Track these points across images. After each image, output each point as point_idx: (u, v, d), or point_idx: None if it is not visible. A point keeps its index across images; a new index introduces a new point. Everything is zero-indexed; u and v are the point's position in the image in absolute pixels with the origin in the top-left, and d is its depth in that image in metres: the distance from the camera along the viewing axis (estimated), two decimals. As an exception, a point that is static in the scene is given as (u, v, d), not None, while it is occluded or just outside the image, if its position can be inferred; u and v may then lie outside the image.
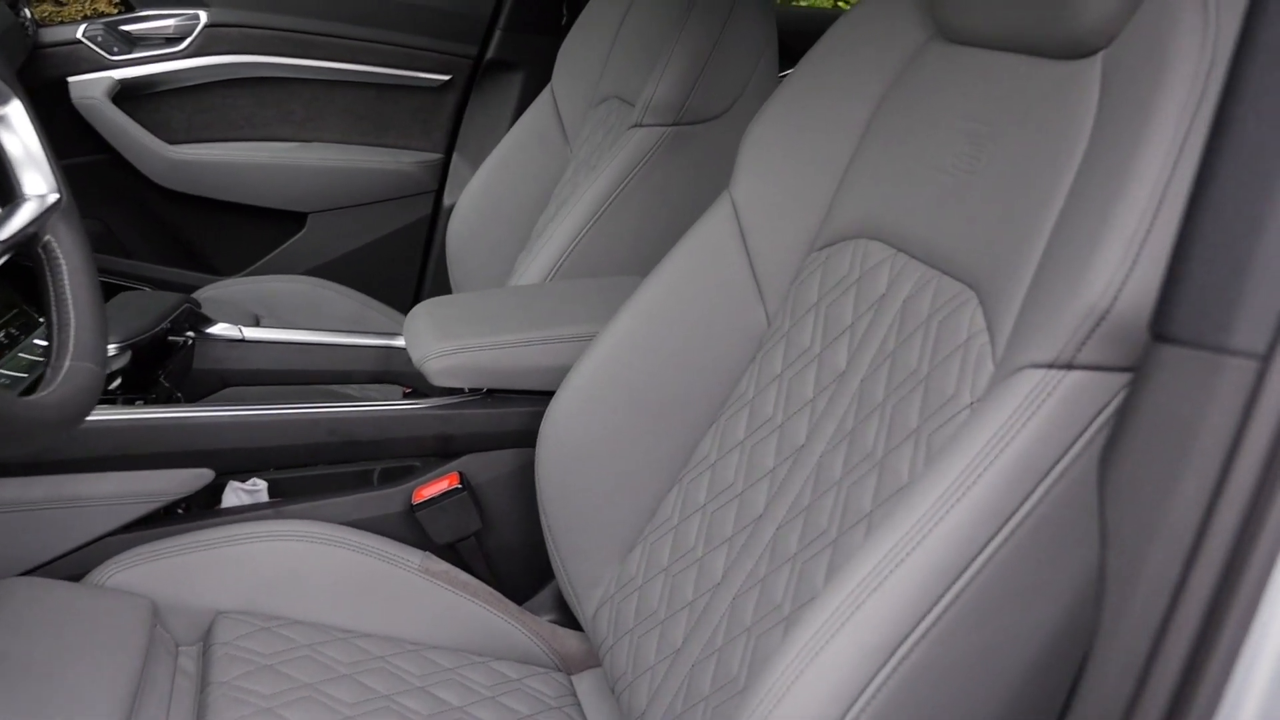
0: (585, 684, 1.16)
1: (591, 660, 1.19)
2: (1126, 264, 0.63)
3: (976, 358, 0.79)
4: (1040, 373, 0.66)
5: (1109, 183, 0.67)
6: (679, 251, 1.12)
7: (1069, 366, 0.65)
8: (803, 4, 4.95)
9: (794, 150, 1.07)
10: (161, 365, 1.29)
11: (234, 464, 1.18)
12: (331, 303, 1.85)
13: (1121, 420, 0.47)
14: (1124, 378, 0.64)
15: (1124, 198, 0.64)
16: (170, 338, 1.31)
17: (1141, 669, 0.44)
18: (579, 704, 1.12)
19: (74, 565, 1.09)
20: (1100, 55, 0.77)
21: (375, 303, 1.92)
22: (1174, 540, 0.44)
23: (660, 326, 1.11)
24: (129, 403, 1.18)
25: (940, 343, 0.84)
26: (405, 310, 2.14)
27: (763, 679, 0.67)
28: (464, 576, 1.17)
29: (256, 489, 1.19)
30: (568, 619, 1.24)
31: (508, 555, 1.26)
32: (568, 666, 1.19)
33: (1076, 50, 0.79)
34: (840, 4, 4.94)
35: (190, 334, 1.32)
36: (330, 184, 2.06)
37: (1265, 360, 0.42)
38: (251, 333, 1.34)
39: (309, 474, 1.23)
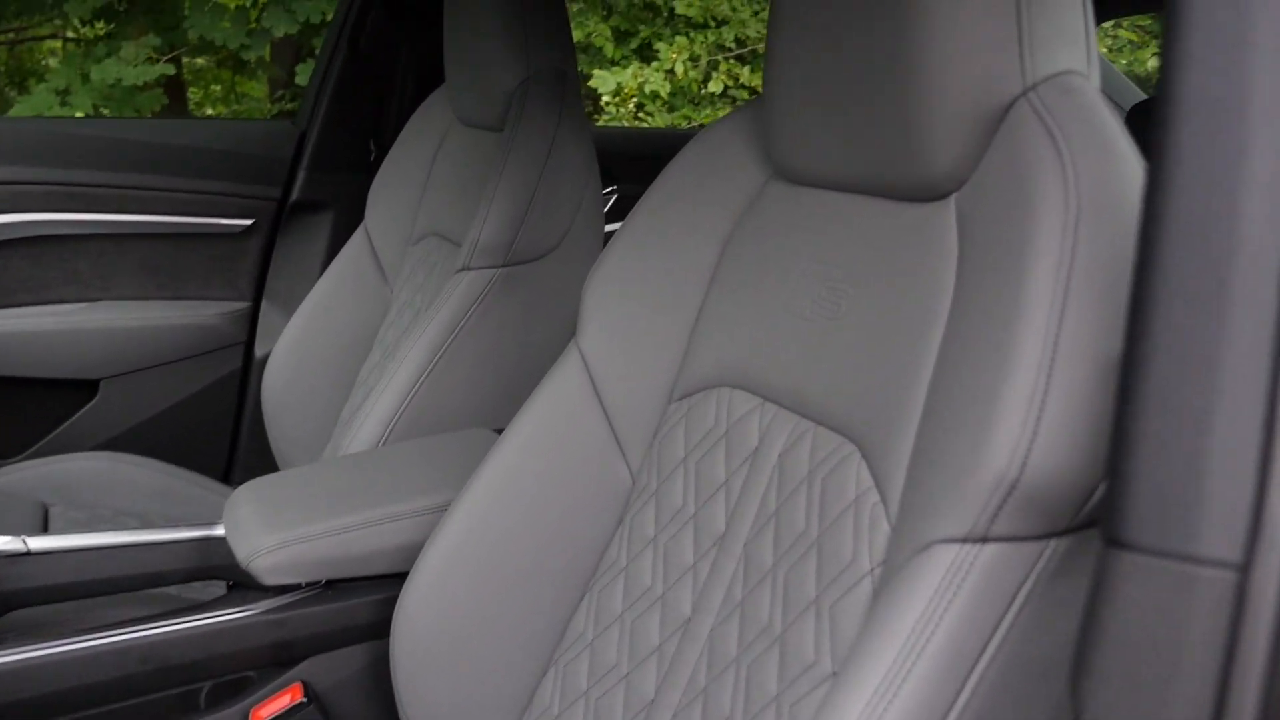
0: None
1: None
2: (1029, 427, 0.60)
3: (870, 519, 0.75)
4: (954, 548, 0.62)
5: (990, 340, 0.65)
6: (530, 409, 1.04)
7: (984, 540, 0.61)
8: (601, 122, 5.07)
9: (640, 297, 1.02)
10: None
11: (21, 716, 0.99)
12: (134, 480, 1.66)
13: (1089, 637, 0.43)
14: (1042, 545, 0.61)
15: (1012, 357, 0.62)
16: (-63, 562, 1.11)
17: None
18: None
19: None
20: (952, 199, 0.77)
21: (185, 473, 1.73)
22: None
23: (517, 492, 1.02)
24: (-114, 657, 0.98)
25: (827, 502, 0.79)
26: (220, 477, 1.96)
27: None
28: (318, 802, 1.02)
29: (55, 736, 1.01)
30: (442, 828, 1.10)
31: (366, 765, 1.12)
32: None
33: (926, 194, 0.78)
34: (639, 119, 5.08)
35: (-38, 553, 1.13)
36: (124, 345, 1.88)
37: (1244, 571, 0.38)
38: (38, 543, 1.16)
39: (118, 706, 1.06)
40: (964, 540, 0.61)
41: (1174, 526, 0.40)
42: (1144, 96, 2.29)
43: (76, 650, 1.00)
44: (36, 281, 1.85)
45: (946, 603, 0.60)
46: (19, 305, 1.83)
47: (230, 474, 1.98)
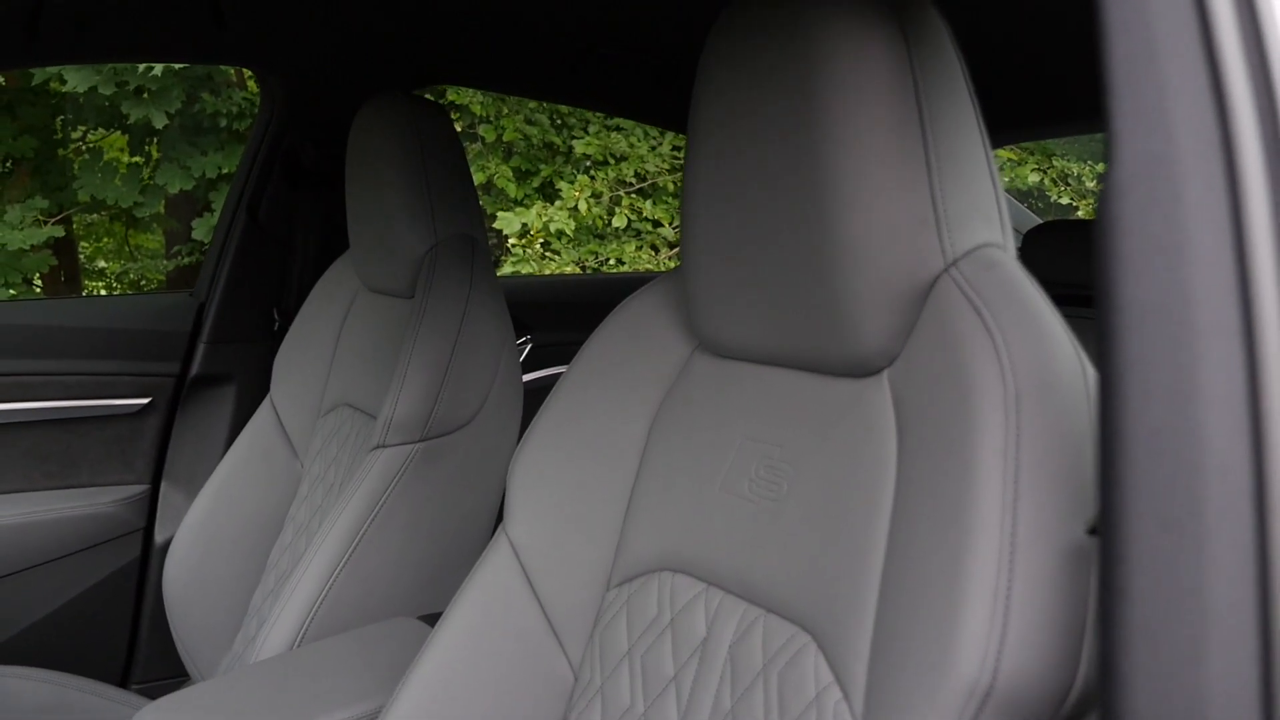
0: None
1: None
2: (996, 629, 0.57)
3: (834, 717, 0.70)
4: None
5: (942, 528, 0.62)
6: (461, 604, 0.98)
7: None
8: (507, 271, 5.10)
9: (568, 480, 0.98)
10: None
11: None
12: (18, 696, 1.51)
13: None
14: None
15: (969, 549, 0.59)
16: None
17: None
18: None
19: None
20: (885, 374, 0.75)
21: (79, 681, 1.59)
22: None
23: (451, 695, 0.95)
24: None
25: (786, 699, 0.75)
26: (117, 682, 1.81)
27: None
28: None
29: None
30: None
31: None
32: None
33: (858, 370, 0.77)
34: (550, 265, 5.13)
35: None
36: (7, 545, 1.74)
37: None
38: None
39: None
40: None
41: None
42: (1036, 220, 2.39)
43: None
44: (-91, 483, 1.72)
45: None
46: (-111, 508, 1.70)
47: (129, 677, 1.83)
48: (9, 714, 1.47)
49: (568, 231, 4.75)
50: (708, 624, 0.84)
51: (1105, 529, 0.43)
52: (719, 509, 0.86)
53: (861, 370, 0.77)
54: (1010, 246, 0.76)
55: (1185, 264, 0.42)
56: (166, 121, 4.63)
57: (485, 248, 1.55)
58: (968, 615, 0.58)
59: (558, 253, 4.88)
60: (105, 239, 6.61)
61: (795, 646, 0.76)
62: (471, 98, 5.13)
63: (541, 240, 4.90)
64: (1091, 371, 0.66)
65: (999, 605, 0.57)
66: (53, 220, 5.02)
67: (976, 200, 0.74)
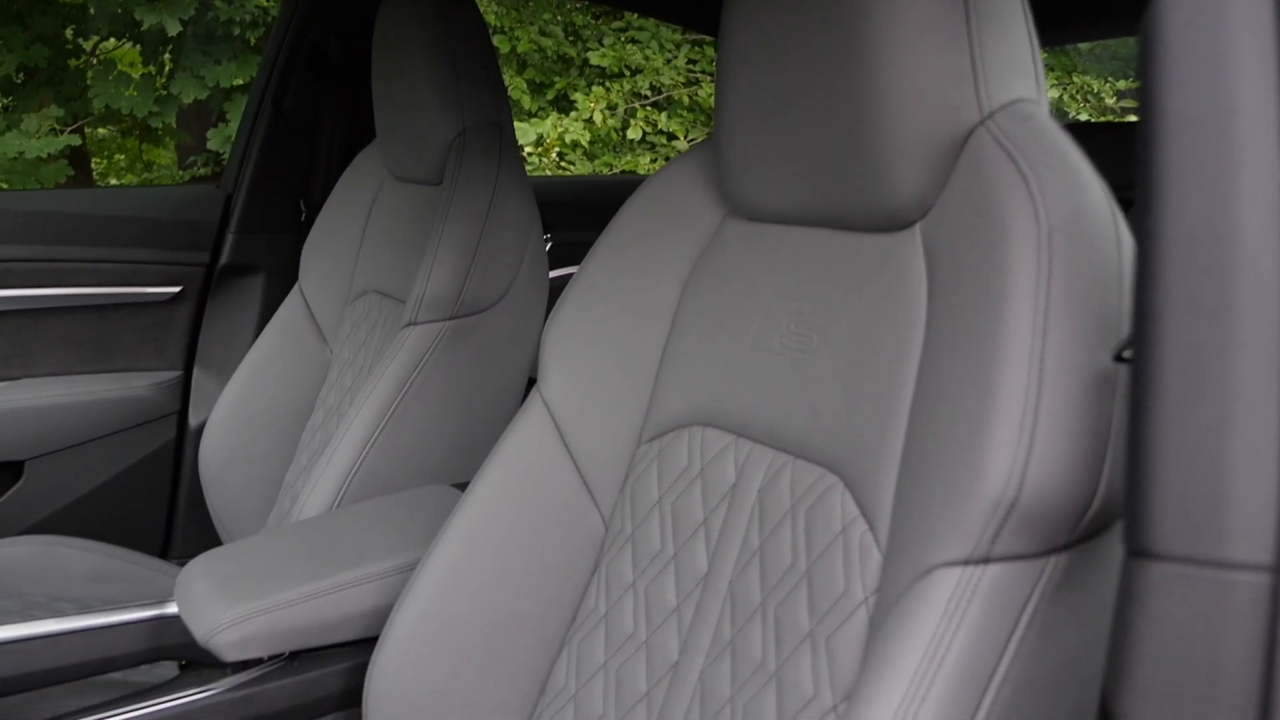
0: None
1: None
2: (1023, 447, 0.61)
3: (860, 548, 0.75)
4: (957, 571, 0.62)
5: (973, 362, 0.66)
6: (495, 461, 1.02)
7: (986, 561, 0.61)
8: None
9: (601, 342, 1.02)
10: None
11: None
12: (68, 563, 1.58)
13: (1123, 649, 0.43)
14: (1044, 562, 0.62)
15: (998, 379, 0.63)
16: None
17: None
18: None
19: None
20: (917, 227, 0.78)
21: (122, 552, 1.66)
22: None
23: (487, 546, 1.00)
24: None
25: (813, 534, 0.79)
26: (158, 554, 1.88)
27: None
28: None
29: (8, 840, 0.95)
30: None
31: (343, 844, 1.07)
32: None
33: (890, 224, 0.80)
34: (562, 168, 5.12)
35: (-109, 652, 1.06)
36: (49, 424, 1.80)
37: (1276, 572, 0.38)
38: (-24, 636, 1.09)
39: (77, 799, 1.00)
40: (966, 563, 0.62)
41: (1202, 534, 0.41)
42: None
43: (28, 747, 0.94)
44: (-49, 362, 1.77)
45: (956, 625, 0.60)
46: (-66, 389, 1.75)
47: (169, 550, 1.90)
48: (61, 580, 1.54)
49: (583, 143, 4.73)
50: (737, 472, 0.89)
51: (1140, 325, 0.46)
52: (749, 364, 0.89)
53: (894, 224, 0.79)
54: (1044, 103, 0.78)
55: (1226, 77, 0.45)
56: (179, 29, 4.59)
57: (512, 135, 1.57)
58: (995, 435, 0.62)
59: (572, 164, 4.87)
60: (118, 155, 6.59)
61: (822, 487, 0.80)
62: (486, 8, 5.07)
63: (557, 151, 4.88)
64: (1122, 216, 0.69)
65: (1026, 426, 0.61)
66: (68, 129, 5.01)
67: (1014, 55, 0.76)
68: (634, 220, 1.03)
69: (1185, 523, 0.42)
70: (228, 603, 1.04)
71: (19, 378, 1.83)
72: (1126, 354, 0.54)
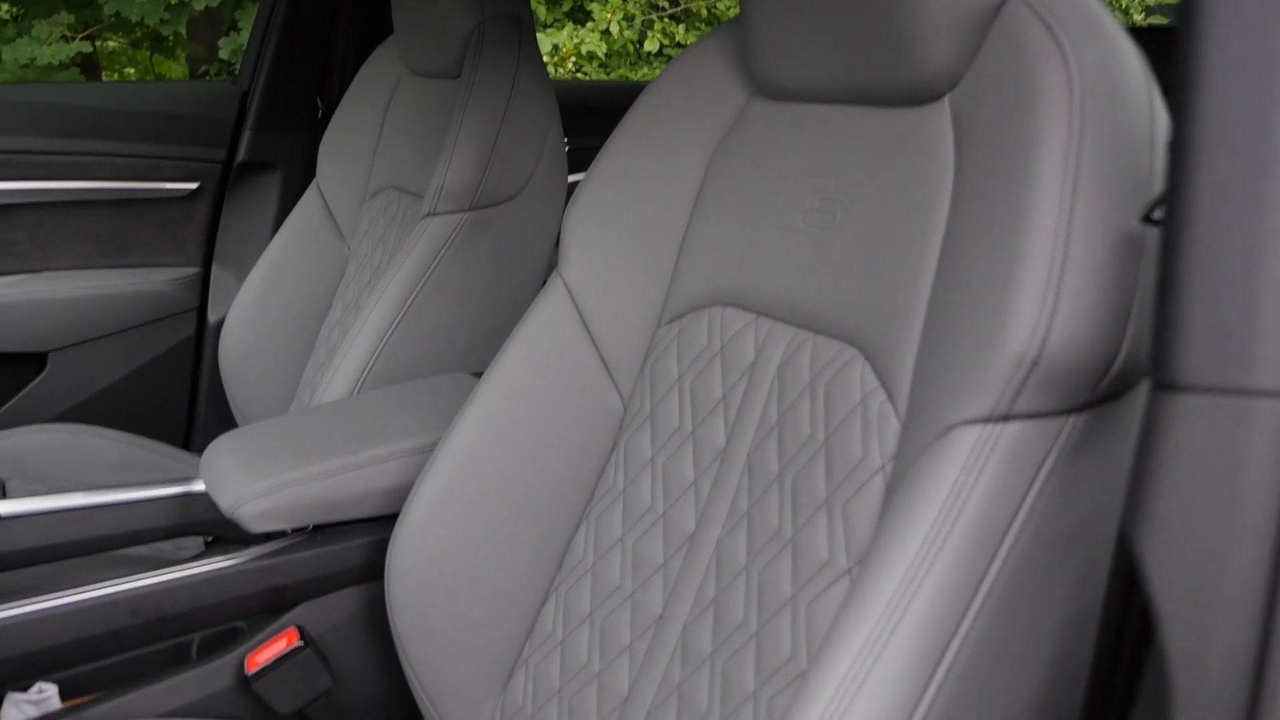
0: (478, 836, 1.03)
1: (480, 806, 1.06)
2: (1048, 304, 0.61)
3: (879, 417, 0.76)
4: (977, 429, 0.63)
5: (999, 228, 0.66)
6: (516, 342, 1.03)
7: (1006, 419, 0.62)
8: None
9: (623, 224, 1.02)
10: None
11: (12, 674, 0.96)
12: (94, 450, 1.61)
13: (1143, 482, 0.44)
14: (1063, 421, 0.63)
15: (1025, 240, 0.63)
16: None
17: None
18: None
19: None
20: (946, 99, 0.77)
21: (145, 441, 1.69)
22: (1240, 610, 0.40)
23: (507, 425, 1.01)
24: None
25: (832, 405, 0.80)
26: (180, 445, 1.91)
27: None
28: (320, 746, 1.01)
29: (44, 696, 0.98)
30: (445, 767, 1.10)
31: (365, 707, 1.11)
32: (454, 821, 1.05)
33: (919, 97, 0.79)
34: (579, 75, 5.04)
35: (-73, 522, 1.08)
36: (72, 315, 1.81)
37: (1300, 396, 0.39)
38: (5, 507, 1.12)
39: (108, 662, 1.04)
40: (986, 420, 0.63)
41: (1228, 363, 0.41)
42: None
43: (64, 605, 0.97)
44: (-28, 254, 1.78)
45: (973, 481, 0.61)
46: (-44, 279, 1.76)
47: (190, 442, 1.93)
48: (87, 467, 1.57)
49: (599, 55, 4.66)
50: (756, 349, 0.89)
51: (1174, 161, 0.46)
52: (771, 243, 0.89)
53: (922, 97, 0.79)
54: None
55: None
56: (189, -70, 4.50)
57: (532, 28, 1.55)
58: (1020, 293, 0.62)
59: (588, 75, 4.80)
60: (129, 68, 6.51)
61: (842, 360, 0.81)
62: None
63: (572, 61, 4.81)
64: (1156, 85, 0.68)
65: (1051, 284, 0.61)
66: (79, 36, 4.95)
67: None
68: (657, 102, 1.02)
69: (1213, 353, 0.42)
70: (253, 476, 1.07)
71: (40, 270, 1.84)
72: (1156, 214, 0.54)
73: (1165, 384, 0.43)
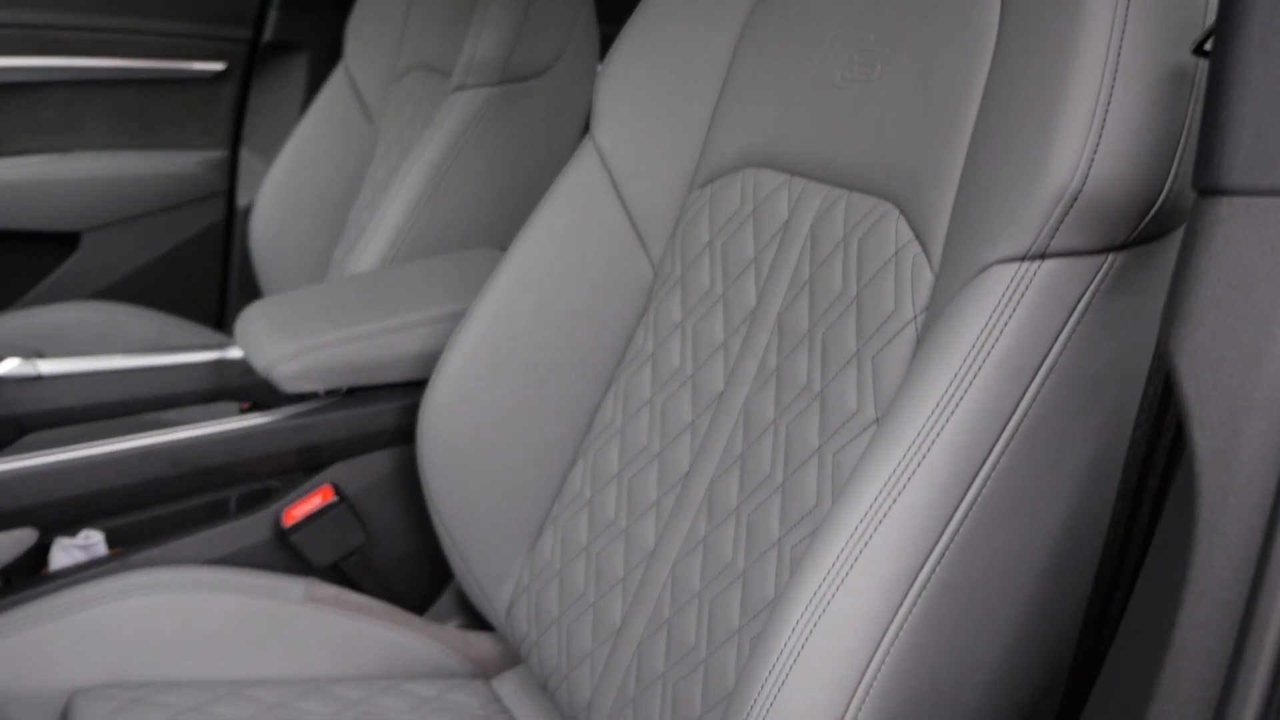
0: (508, 686, 1.07)
1: (509, 660, 1.10)
2: (1092, 138, 0.60)
3: (912, 269, 0.76)
4: (1011, 267, 0.63)
5: (1043, 69, 0.64)
6: (547, 207, 1.03)
7: (1042, 256, 0.62)
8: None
9: (657, 87, 1.00)
10: (-60, 419, 1.08)
11: (59, 517, 1.00)
12: (127, 328, 1.64)
13: (1182, 286, 0.44)
14: (1101, 259, 0.62)
15: (1069, 78, 0.62)
16: (-54, 387, 1.10)
17: (1258, 551, 0.41)
18: (506, 709, 1.03)
19: (-126, 670, 0.89)
20: None
21: (178, 321, 1.72)
22: (1271, 412, 0.40)
23: (537, 289, 1.02)
24: (-86, 465, 0.98)
25: (865, 260, 0.80)
26: (212, 326, 1.94)
27: (777, 627, 0.61)
28: (355, 597, 1.05)
29: (91, 542, 1.02)
30: (475, 620, 1.14)
31: (399, 564, 1.14)
32: (485, 671, 1.09)
33: None
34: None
35: (-28, 377, 1.11)
36: (103, 196, 1.82)
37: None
38: (49, 366, 1.14)
39: (150, 515, 1.07)
40: (1022, 258, 0.62)
41: (1274, 166, 0.41)
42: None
43: (107, 453, 1.00)
44: (1, 131, 1.79)
45: (1005, 318, 0.61)
46: (-13, 156, 1.77)
47: (223, 325, 1.96)
48: (120, 341, 1.60)
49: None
50: (789, 209, 0.89)
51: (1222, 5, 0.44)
52: (808, 101, 0.88)
53: None
54: None
55: None
56: None
57: (562, -101, 1.51)
58: (1063, 128, 0.61)
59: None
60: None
61: (876, 215, 0.80)
62: None
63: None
64: None
65: (1096, 118, 0.60)
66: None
67: None
68: None
69: (1259, 157, 0.42)
70: (287, 337, 1.08)
71: (70, 150, 1.84)
72: (1207, 46, 0.53)
73: (1209, 189, 0.43)
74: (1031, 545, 0.63)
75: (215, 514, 1.09)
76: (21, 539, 0.97)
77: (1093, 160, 0.60)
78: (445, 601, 1.17)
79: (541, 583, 1.01)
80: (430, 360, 1.07)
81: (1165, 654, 0.41)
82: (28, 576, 1.01)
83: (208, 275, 1.93)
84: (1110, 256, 0.62)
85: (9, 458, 0.98)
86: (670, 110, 1.00)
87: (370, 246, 1.37)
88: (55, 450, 0.99)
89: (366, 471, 1.11)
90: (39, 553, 1.01)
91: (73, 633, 0.92)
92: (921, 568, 0.60)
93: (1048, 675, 0.68)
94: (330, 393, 1.12)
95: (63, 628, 0.92)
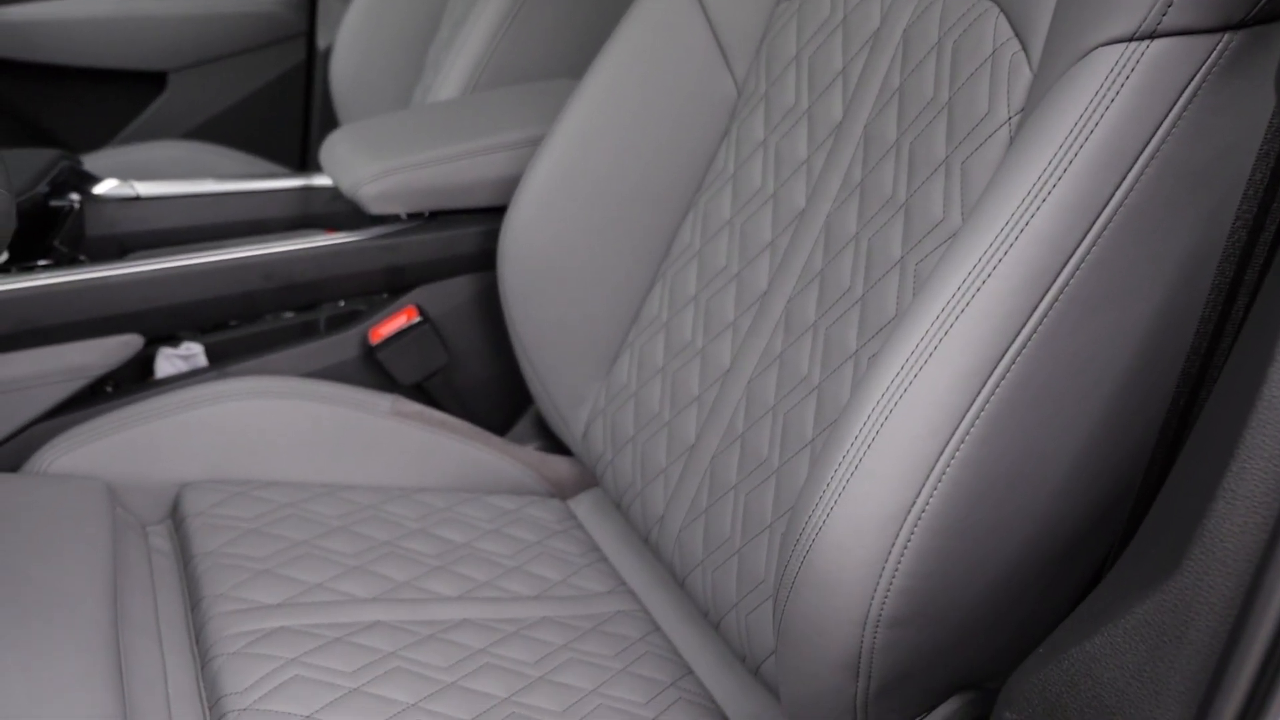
0: (583, 506, 1.11)
1: (585, 482, 1.13)
2: None
3: (1010, 67, 0.72)
4: (1118, 48, 0.60)
5: None
6: (627, 26, 1.01)
7: (1151, 36, 0.59)
8: None
9: None
10: (49, 234, 1.13)
11: (163, 325, 1.05)
12: (215, 166, 1.67)
13: None
14: (1216, 39, 0.59)
15: None
16: (52, 203, 1.14)
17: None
18: (581, 526, 1.07)
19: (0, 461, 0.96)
20: None
21: (262, 161, 1.75)
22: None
23: (617, 112, 1.01)
24: (27, 271, 1.03)
25: (959, 63, 0.77)
26: (295, 167, 1.97)
27: (851, 416, 0.62)
28: (439, 415, 1.08)
29: (192, 353, 1.07)
30: (553, 445, 1.17)
31: (480, 387, 1.17)
32: (561, 492, 1.13)
33: None
34: None
35: (75, 196, 1.15)
36: (188, 35, 1.83)
37: None
38: (146, 188, 1.18)
39: (246, 332, 1.11)
40: (1130, 39, 0.59)
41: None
42: None
43: (204, 264, 1.04)
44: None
45: (1108, 102, 0.59)
46: (73, -8, 1.79)
47: (306, 164, 1.98)
48: (207, 176, 1.64)
49: None
50: (882, 15, 0.86)
51: None
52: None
53: None
54: None
55: None
56: None
57: None
58: None
59: None
60: None
61: (975, 14, 0.77)
62: None
63: None
64: None
65: None
66: None
67: None
68: None
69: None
70: (371, 159, 1.09)
71: (154, -14, 1.85)
72: None
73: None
74: (1116, 342, 0.62)
75: (306, 333, 1.13)
76: (129, 343, 1.02)
77: None
78: (524, 425, 1.20)
79: (618, 404, 1.03)
80: (512, 185, 1.07)
81: (1252, 409, 0.40)
82: (136, 383, 1.06)
83: (291, 116, 1.94)
84: (1226, 36, 0.59)
85: (115, 264, 1.02)
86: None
87: (450, 79, 1.36)
88: (157, 259, 1.02)
89: (449, 295, 1.14)
90: (144, 362, 1.06)
91: (180, 430, 0.97)
92: (1000, 360, 0.59)
93: (1123, 478, 0.68)
94: (413, 216, 1.14)
95: (171, 425, 0.97)
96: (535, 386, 1.08)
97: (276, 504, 0.94)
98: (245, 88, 1.90)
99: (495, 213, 1.10)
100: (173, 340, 1.06)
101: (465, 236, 1.13)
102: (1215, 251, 0.60)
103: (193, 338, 1.07)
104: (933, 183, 0.77)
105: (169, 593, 0.86)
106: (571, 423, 1.07)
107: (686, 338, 0.98)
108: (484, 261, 1.14)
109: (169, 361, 1.05)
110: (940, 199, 0.76)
